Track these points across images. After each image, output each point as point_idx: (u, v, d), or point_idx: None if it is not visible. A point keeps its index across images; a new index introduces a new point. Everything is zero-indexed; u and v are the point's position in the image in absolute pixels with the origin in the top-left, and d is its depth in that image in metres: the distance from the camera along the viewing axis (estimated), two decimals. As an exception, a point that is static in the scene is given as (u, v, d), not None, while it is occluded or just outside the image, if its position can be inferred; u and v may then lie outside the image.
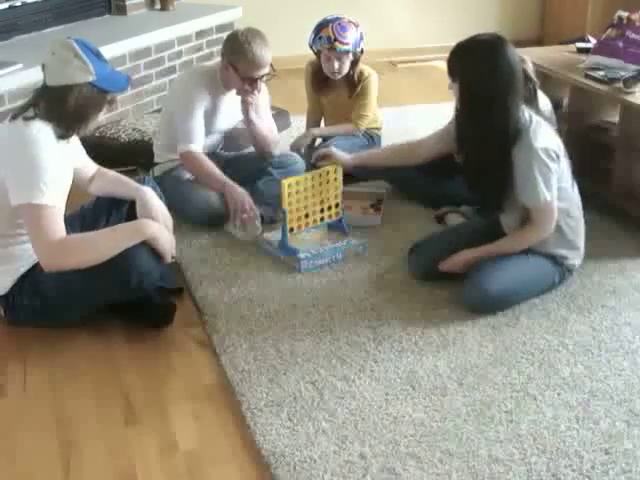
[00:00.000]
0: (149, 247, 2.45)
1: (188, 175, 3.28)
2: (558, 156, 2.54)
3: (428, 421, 2.13)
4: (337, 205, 3.08)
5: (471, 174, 2.68)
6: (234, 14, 5.06)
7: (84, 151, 2.73)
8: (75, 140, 2.65)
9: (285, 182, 2.89)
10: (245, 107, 3.24)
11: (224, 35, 5.01)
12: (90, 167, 2.75)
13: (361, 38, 3.62)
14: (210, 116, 3.24)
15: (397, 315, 2.63)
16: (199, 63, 4.82)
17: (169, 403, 2.24)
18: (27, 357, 2.44)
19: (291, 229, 2.97)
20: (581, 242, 2.74)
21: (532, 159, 2.49)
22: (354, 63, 3.65)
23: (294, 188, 2.91)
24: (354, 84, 3.70)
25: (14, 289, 2.47)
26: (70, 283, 2.41)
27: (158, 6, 5.03)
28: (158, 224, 2.53)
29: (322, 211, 3.05)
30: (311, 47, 3.66)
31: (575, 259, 2.74)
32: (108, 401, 2.25)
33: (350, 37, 3.56)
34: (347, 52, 3.58)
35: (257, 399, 2.21)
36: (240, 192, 3.10)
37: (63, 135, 2.44)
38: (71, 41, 2.40)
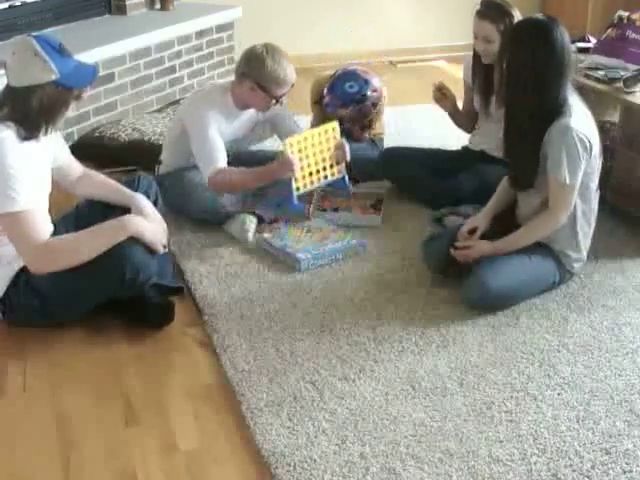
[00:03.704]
0: (141, 242, 2.45)
1: (190, 175, 3.25)
2: (591, 148, 2.54)
3: (428, 421, 2.13)
4: (338, 163, 3.24)
5: (508, 148, 2.69)
6: (234, 14, 5.06)
7: (68, 150, 2.71)
8: (57, 138, 2.61)
9: (288, 141, 3.06)
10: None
11: (224, 35, 5.07)
12: (75, 167, 2.72)
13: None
14: (221, 134, 3.19)
15: (397, 315, 2.63)
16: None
17: (169, 403, 2.24)
18: (27, 357, 2.44)
19: (297, 188, 3.13)
20: (586, 250, 2.75)
21: (564, 137, 2.49)
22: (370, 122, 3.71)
23: (296, 147, 3.08)
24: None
25: (10, 290, 2.46)
26: (66, 281, 2.41)
27: (158, 6, 5.03)
28: (140, 218, 2.52)
29: (325, 169, 3.21)
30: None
31: (577, 263, 2.75)
32: (108, 401, 2.25)
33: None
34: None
35: (257, 399, 2.21)
36: (283, 164, 3.07)
37: (29, 135, 2.37)
38: (30, 39, 2.33)
